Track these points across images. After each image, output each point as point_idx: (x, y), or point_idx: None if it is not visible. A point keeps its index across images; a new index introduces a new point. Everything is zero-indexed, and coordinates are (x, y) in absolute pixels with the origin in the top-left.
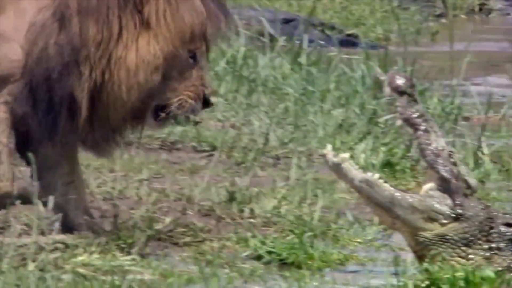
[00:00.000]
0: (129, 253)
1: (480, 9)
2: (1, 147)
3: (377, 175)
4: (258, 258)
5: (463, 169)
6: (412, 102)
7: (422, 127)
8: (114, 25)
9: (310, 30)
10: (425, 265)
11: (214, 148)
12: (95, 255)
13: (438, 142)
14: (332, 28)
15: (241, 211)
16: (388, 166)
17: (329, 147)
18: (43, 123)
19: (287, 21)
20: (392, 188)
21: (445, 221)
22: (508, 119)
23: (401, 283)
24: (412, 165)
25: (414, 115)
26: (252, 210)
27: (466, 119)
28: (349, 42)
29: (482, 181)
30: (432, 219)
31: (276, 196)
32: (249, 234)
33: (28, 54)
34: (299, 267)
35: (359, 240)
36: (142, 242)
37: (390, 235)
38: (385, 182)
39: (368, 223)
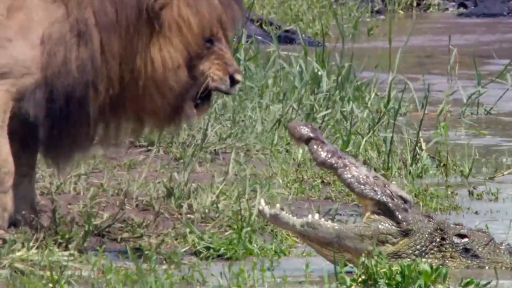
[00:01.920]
0: (67, 249)
1: (418, 4)
2: None
3: (316, 216)
4: (197, 253)
5: (393, 187)
6: (321, 145)
7: (340, 164)
8: (135, 39)
9: (248, 25)
10: (362, 259)
11: (152, 143)
12: (33, 250)
13: (359, 171)
14: (270, 23)
15: (180, 206)
16: None
17: (262, 202)
18: (55, 130)
19: None
20: (334, 224)
21: (395, 240)
22: (445, 115)
23: (339, 278)
24: None
25: (328, 157)
26: (190, 206)
27: (404, 114)
28: (287, 37)
29: (420, 176)
30: (382, 242)
31: (214, 191)
32: (187, 229)
33: (47, 65)
34: (237, 262)
35: None
36: (80, 238)
37: None
38: (326, 220)
39: None
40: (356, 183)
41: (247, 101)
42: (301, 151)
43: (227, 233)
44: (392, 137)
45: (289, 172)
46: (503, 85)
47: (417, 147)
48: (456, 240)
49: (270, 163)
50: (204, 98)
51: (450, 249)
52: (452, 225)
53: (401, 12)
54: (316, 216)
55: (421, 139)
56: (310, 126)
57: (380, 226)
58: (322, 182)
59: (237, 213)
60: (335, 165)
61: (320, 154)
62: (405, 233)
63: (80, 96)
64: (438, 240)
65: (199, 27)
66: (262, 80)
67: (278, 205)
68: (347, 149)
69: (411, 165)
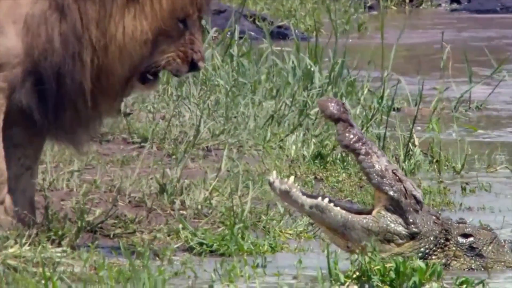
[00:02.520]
0: (59, 245)
1: (411, 0)
2: None
3: (326, 199)
4: (189, 249)
5: (408, 184)
6: (348, 127)
7: (363, 151)
8: (107, 2)
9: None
10: (356, 256)
11: (145, 139)
12: (26, 247)
13: (380, 162)
14: (263, 19)
15: (172, 202)
16: (319, 157)
17: (274, 173)
18: (50, 115)
19: (218, 12)
20: (343, 211)
21: (401, 241)
22: (438, 111)
23: (332, 274)
24: (342, 157)
25: (353, 141)
26: (183, 202)
27: (398, 110)
28: (279, 33)
29: (412, 172)
30: (388, 240)
31: (207, 187)
32: (180, 225)
33: (32, 47)
34: (230, 258)
35: (289, 231)
36: (73, 234)
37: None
38: (336, 205)
39: (299, 214)
40: (374, 174)
41: (240, 97)
42: (294, 147)
43: (219, 229)
44: (385, 133)
45: (282, 168)
46: (498, 82)
47: (410, 143)
48: (461, 240)
49: (263, 159)
50: (153, 74)
51: (454, 249)
52: (456, 224)
53: (393, 8)
54: (326, 199)
55: (414, 135)
56: (341, 105)
57: (388, 225)
58: (315, 178)
59: (230, 209)
60: (358, 150)
61: (345, 137)
62: (412, 236)
63: (69, 71)
64: (442, 241)
65: (171, 4)
66: (255, 76)
67: (291, 179)
68: None
69: (404, 161)
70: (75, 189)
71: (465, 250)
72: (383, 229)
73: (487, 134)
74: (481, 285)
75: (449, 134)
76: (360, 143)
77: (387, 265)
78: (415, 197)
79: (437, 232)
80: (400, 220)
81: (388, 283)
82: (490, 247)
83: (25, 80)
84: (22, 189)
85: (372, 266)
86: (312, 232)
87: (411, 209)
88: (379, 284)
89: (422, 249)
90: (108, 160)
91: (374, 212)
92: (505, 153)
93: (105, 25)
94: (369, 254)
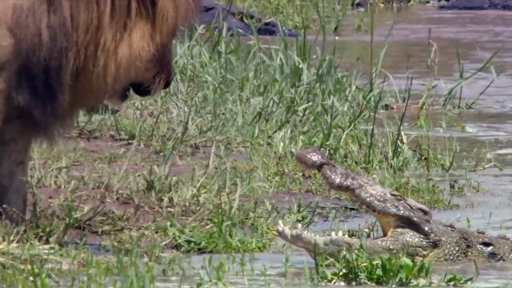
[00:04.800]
0: (47, 242)
1: None
2: None
3: (340, 233)
4: (177, 247)
5: (410, 200)
6: (333, 169)
7: (356, 185)
8: (105, 13)
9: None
10: (343, 253)
11: (132, 136)
12: (14, 244)
13: (376, 189)
14: (251, 16)
15: (160, 199)
16: None
17: (281, 223)
18: (46, 109)
19: (206, 9)
20: (358, 240)
21: (425, 252)
22: (426, 108)
23: (319, 272)
24: (330, 154)
25: (343, 179)
26: (171, 199)
27: (386, 108)
28: (267, 30)
29: (401, 170)
30: (411, 255)
31: (195, 185)
32: (168, 223)
33: (20, 39)
34: (218, 256)
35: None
36: (61, 231)
37: (308, 224)
38: (350, 235)
39: (287, 211)
40: (376, 201)
41: (228, 94)
42: (281, 143)
43: (207, 227)
44: (373, 130)
45: (270, 165)
46: (486, 79)
47: (398, 141)
48: (482, 247)
49: (251, 156)
50: (148, 89)
51: (475, 255)
52: (475, 233)
53: (381, 5)
54: (340, 233)
55: (403, 133)
56: (318, 151)
57: (409, 239)
58: (303, 175)
59: (218, 207)
60: (352, 186)
61: (335, 178)
62: (435, 245)
63: (55, 66)
64: (464, 247)
65: (174, 21)
66: (242, 73)
67: (299, 225)
68: (328, 143)
69: (393, 158)
70: (63, 186)
71: (486, 255)
72: (405, 245)
73: (476, 131)
74: (469, 282)
75: (437, 131)
76: (350, 179)
77: (374, 262)
78: (422, 210)
79: (457, 238)
80: (417, 233)
81: (375, 280)
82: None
83: (18, 75)
84: (16, 188)
85: (359, 263)
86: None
87: (423, 220)
88: (366, 281)
89: (447, 256)
90: (96, 157)
91: (389, 233)
92: (493, 151)
93: (98, 36)
94: (356, 251)
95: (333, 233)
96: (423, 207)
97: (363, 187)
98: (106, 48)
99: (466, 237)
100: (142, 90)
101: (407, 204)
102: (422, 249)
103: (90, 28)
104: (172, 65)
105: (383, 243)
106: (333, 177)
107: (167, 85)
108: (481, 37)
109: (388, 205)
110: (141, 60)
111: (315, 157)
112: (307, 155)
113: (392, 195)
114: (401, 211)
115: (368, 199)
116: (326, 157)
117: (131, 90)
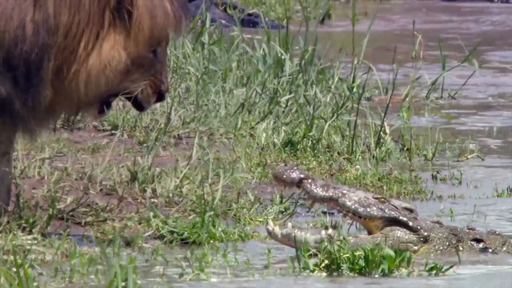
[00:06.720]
0: (30, 233)
1: None
2: None
3: (330, 230)
4: (160, 237)
5: (394, 201)
6: (312, 182)
7: (339, 194)
8: (81, 20)
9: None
10: (325, 244)
11: (115, 127)
12: None
13: (358, 195)
14: (234, 7)
15: (143, 190)
16: (289, 145)
17: (270, 222)
18: (27, 101)
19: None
20: (350, 237)
21: (416, 247)
22: (409, 99)
23: (301, 262)
24: (313, 144)
25: (325, 191)
26: (154, 190)
27: (369, 99)
28: (250, 21)
29: (383, 160)
30: (403, 251)
31: (178, 175)
32: (151, 213)
33: (3, 31)
34: (200, 246)
35: (260, 219)
36: (44, 222)
37: (291, 215)
38: (333, 227)
39: (269, 202)
40: (361, 208)
41: (211, 85)
42: (264, 134)
43: (190, 217)
44: (355, 121)
45: (253, 156)
46: (469, 70)
47: (381, 132)
48: (473, 244)
49: (234, 147)
50: (108, 104)
51: (467, 251)
52: (466, 230)
53: None
54: (330, 231)
55: (385, 123)
56: (297, 168)
57: (399, 236)
58: (285, 165)
59: (201, 198)
60: (335, 196)
61: (317, 191)
62: (425, 240)
63: (36, 60)
64: (454, 242)
65: (150, 32)
66: (225, 64)
67: (290, 225)
68: (311, 133)
69: (375, 149)
70: (46, 177)
71: (478, 251)
72: (395, 241)
73: (459, 122)
74: (450, 270)
75: (419, 121)
76: (332, 189)
77: (356, 253)
78: (407, 208)
79: (446, 233)
80: (406, 230)
81: (357, 271)
82: (504, 249)
83: (1, 67)
84: (0, 178)
85: (341, 254)
86: (283, 220)
87: (411, 218)
88: (348, 272)
89: (438, 251)
90: (79, 148)
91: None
92: (476, 141)
93: (74, 42)
94: (338, 242)
95: (323, 231)
96: (408, 205)
97: (346, 195)
98: (79, 55)
99: (455, 233)
100: (136, 103)
101: (392, 205)
102: (412, 244)
103: (69, 32)
104: (166, 76)
105: (373, 240)
106: (314, 190)
107: (161, 97)
108: (464, 28)
109: (374, 208)
110: (112, 69)
111: (294, 174)
112: (285, 173)
113: (375, 198)
114: (387, 213)
115: (353, 206)
116: (304, 171)
117: (111, 104)
